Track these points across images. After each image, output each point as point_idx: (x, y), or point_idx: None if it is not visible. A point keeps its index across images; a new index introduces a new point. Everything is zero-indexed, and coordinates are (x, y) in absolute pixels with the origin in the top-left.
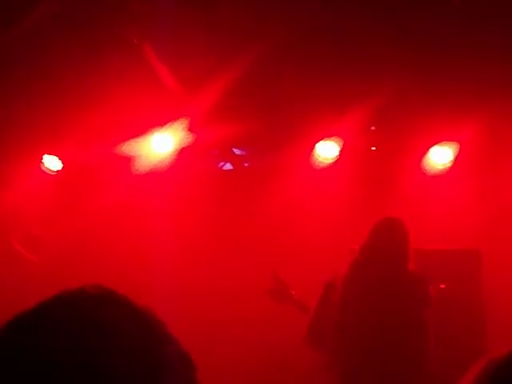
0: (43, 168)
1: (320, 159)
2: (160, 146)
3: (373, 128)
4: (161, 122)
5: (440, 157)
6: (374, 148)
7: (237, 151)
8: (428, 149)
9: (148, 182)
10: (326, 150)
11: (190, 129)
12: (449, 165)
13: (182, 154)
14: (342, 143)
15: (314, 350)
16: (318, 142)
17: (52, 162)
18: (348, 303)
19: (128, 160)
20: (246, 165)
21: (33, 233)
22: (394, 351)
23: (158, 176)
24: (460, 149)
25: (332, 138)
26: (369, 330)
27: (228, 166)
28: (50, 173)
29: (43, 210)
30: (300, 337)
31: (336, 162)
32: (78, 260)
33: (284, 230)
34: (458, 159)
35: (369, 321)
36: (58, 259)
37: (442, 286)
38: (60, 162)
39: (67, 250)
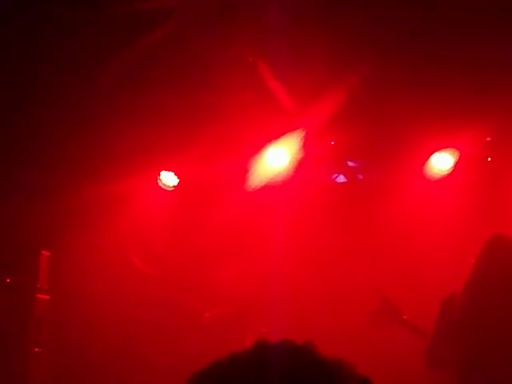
0: (160, 184)
1: (435, 170)
2: (274, 160)
3: (488, 139)
4: (275, 136)
5: None
6: (489, 159)
7: (351, 163)
8: None
9: (263, 197)
10: (441, 162)
11: (305, 142)
12: None
13: (297, 167)
14: (457, 154)
15: (433, 371)
16: (432, 153)
17: (169, 178)
18: (472, 320)
19: (243, 175)
20: (360, 177)
21: (153, 249)
22: None
23: (273, 190)
24: None
25: (447, 149)
26: (498, 346)
27: (342, 179)
28: (167, 189)
29: (161, 226)
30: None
31: (451, 173)
32: (197, 275)
33: (398, 243)
34: None
35: (497, 337)
36: (177, 275)
37: None
38: (176, 177)
39: (186, 266)
